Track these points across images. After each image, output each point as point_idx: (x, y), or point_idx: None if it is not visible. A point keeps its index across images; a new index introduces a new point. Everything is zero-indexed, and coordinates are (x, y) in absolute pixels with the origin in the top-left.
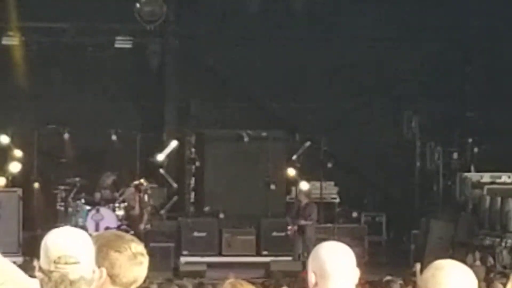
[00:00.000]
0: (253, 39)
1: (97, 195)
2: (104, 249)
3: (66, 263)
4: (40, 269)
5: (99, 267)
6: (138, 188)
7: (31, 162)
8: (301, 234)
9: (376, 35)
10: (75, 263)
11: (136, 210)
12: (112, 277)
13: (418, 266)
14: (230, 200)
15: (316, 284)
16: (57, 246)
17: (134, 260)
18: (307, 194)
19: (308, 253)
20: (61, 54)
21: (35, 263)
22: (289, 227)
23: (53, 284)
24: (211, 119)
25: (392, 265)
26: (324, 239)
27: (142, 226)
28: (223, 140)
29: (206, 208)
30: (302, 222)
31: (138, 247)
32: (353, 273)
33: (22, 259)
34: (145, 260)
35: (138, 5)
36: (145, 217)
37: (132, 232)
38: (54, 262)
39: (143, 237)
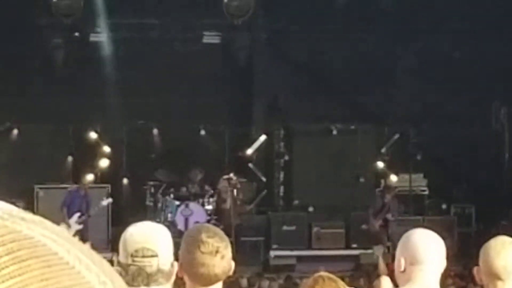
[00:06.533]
0: (341, 32)
1: (186, 190)
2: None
3: (143, 256)
4: (119, 263)
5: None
6: (228, 182)
7: (119, 158)
8: (386, 228)
9: (464, 26)
10: (152, 256)
11: (228, 204)
12: (184, 268)
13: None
14: (319, 193)
15: (404, 270)
16: (135, 239)
17: (204, 251)
18: (393, 189)
19: (394, 248)
20: (149, 50)
21: (114, 257)
22: (375, 223)
23: (130, 277)
24: (299, 113)
25: None
26: None
27: (233, 221)
28: (312, 133)
29: (295, 202)
30: (388, 216)
31: (210, 238)
32: (443, 263)
33: (111, 255)
34: (218, 252)
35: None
36: (236, 211)
37: (222, 226)
38: (132, 255)
39: (233, 232)
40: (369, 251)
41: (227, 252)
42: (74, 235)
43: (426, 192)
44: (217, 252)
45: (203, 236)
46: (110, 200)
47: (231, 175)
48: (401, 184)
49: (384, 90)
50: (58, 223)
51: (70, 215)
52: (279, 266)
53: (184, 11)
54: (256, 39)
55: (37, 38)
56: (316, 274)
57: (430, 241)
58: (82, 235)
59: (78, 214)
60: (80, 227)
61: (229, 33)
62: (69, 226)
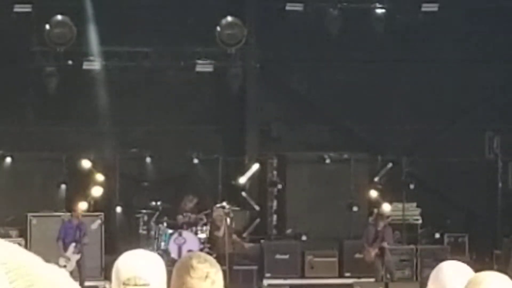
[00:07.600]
0: (334, 61)
1: (180, 219)
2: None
3: (135, 285)
4: None
5: None
6: (222, 211)
7: (113, 186)
8: (381, 256)
9: (458, 56)
10: (144, 284)
11: (221, 232)
12: None
13: None
14: (312, 222)
15: None
16: (127, 267)
17: (194, 276)
18: (385, 217)
19: (391, 275)
20: (142, 78)
21: (107, 285)
22: (370, 251)
23: None
24: (292, 142)
25: None
26: (406, 261)
27: (226, 249)
28: (305, 162)
29: (289, 231)
30: (384, 244)
31: (200, 264)
32: None
33: (104, 283)
34: (208, 277)
35: (219, 28)
36: (230, 239)
37: (215, 255)
38: (124, 283)
39: (227, 260)
40: (362, 280)
41: (218, 278)
42: (76, 264)
43: (419, 221)
44: (207, 277)
45: (194, 262)
46: (99, 221)
47: (224, 203)
48: (394, 213)
49: (377, 119)
50: (52, 253)
51: (66, 248)
52: None
53: (177, 40)
54: (249, 67)
55: (30, 66)
56: None
57: (461, 276)
58: (78, 264)
59: (73, 244)
60: (78, 256)
61: (222, 62)
62: (68, 259)
